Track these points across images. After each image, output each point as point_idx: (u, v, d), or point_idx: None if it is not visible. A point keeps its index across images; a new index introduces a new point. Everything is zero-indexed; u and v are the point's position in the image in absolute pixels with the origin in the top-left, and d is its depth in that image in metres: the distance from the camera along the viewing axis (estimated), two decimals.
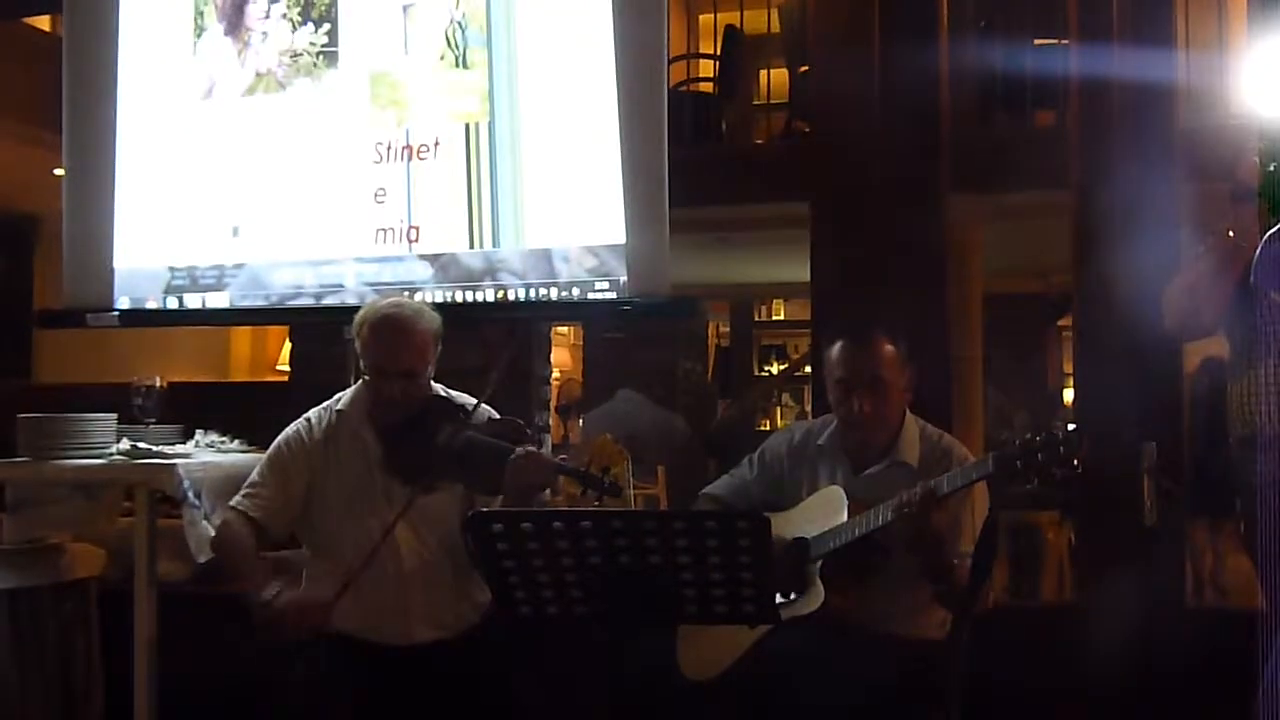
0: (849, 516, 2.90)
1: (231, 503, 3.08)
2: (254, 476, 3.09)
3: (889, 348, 3.03)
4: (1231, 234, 2.75)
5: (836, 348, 3.06)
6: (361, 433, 3.06)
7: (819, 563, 2.89)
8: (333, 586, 2.89)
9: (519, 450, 2.85)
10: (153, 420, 3.64)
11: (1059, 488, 2.73)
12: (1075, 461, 2.63)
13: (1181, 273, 2.99)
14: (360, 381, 3.12)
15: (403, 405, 2.99)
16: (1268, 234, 2.60)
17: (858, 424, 3.03)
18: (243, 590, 2.93)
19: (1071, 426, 2.67)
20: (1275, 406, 2.78)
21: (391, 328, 2.99)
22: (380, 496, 2.99)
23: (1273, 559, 2.64)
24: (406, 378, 2.98)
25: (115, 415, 3.62)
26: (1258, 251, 2.64)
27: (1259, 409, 2.80)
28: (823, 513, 2.97)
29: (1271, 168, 2.65)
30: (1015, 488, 2.79)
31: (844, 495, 2.96)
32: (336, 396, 3.18)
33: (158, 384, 3.63)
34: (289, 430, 3.13)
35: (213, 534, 3.31)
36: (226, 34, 4.26)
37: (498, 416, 3.06)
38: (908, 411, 3.09)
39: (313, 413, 3.15)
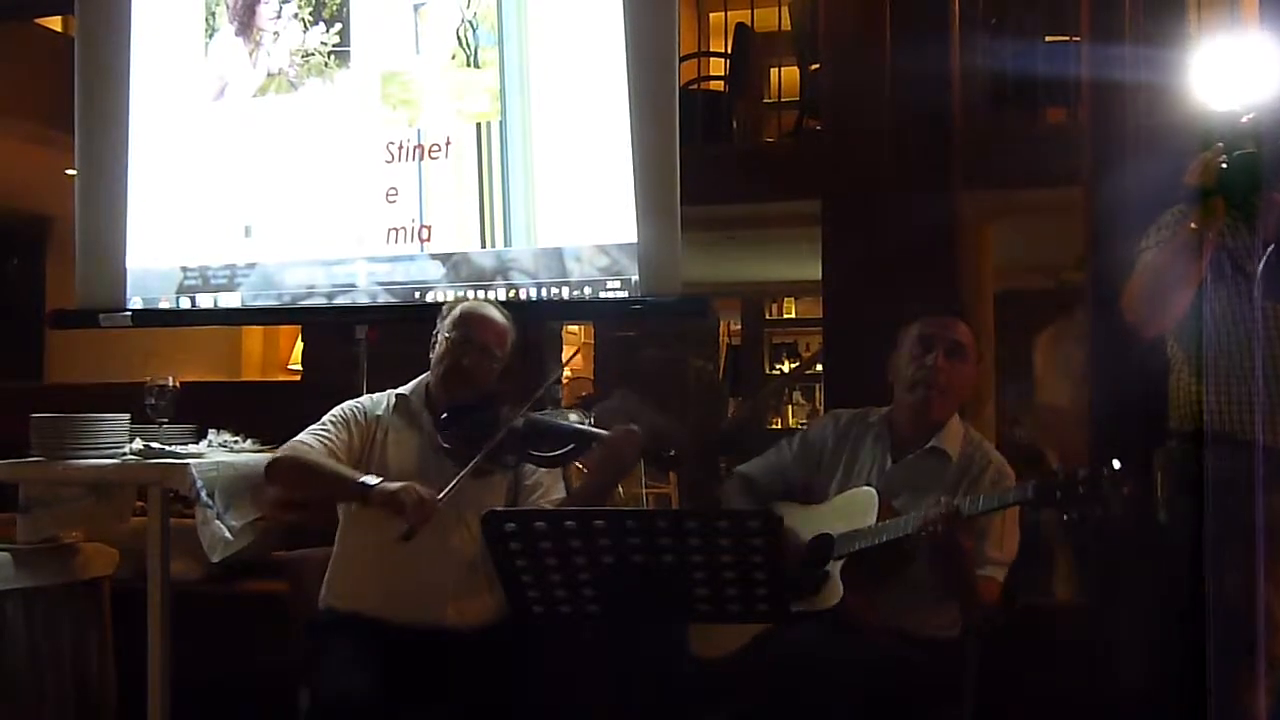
0: (879, 515, 2.90)
1: (296, 439, 3.12)
2: (316, 425, 3.16)
3: (970, 332, 3.09)
4: (1194, 226, 2.75)
5: (923, 316, 3.10)
6: (419, 416, 3.18)
7: (841, 561, 2.89)
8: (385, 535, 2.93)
9: (617, 428, 2.99)
10: (165, 420, 3.65)
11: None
12: (1117, 502, 2.61)
13: (1142, 266, 2.98)
14: (423, 375, 3.24)
15: (473, 380, 3.13)
16: (1272, 244, 2.60)
17: (924, 382, 3.02)
18: (334, 489, 3.01)
19: (1117, 464, 2.63)
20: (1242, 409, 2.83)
21: (481, 309, 3.24)
22: (432, 477, 3.03)
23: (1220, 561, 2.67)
24: (482, 352, 3.14)
25: (128, 415, 3.63)
26: (1262, 259, 2.63)
27: (1217, 409, 2.84)
28: (852, 511, 2.97)
29: (1225, 164, 2.66)
30: (1050, 516, 2.80)
31: (875, 497, 2.95)
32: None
33: (171, 384, 3.64)
34: (350, 401, 3.25)
35: (227, 535, 3.32)
36: (238, 34, 4.27)
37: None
38: (956, 413, 3.10)
39: (374, 394, 3.28)
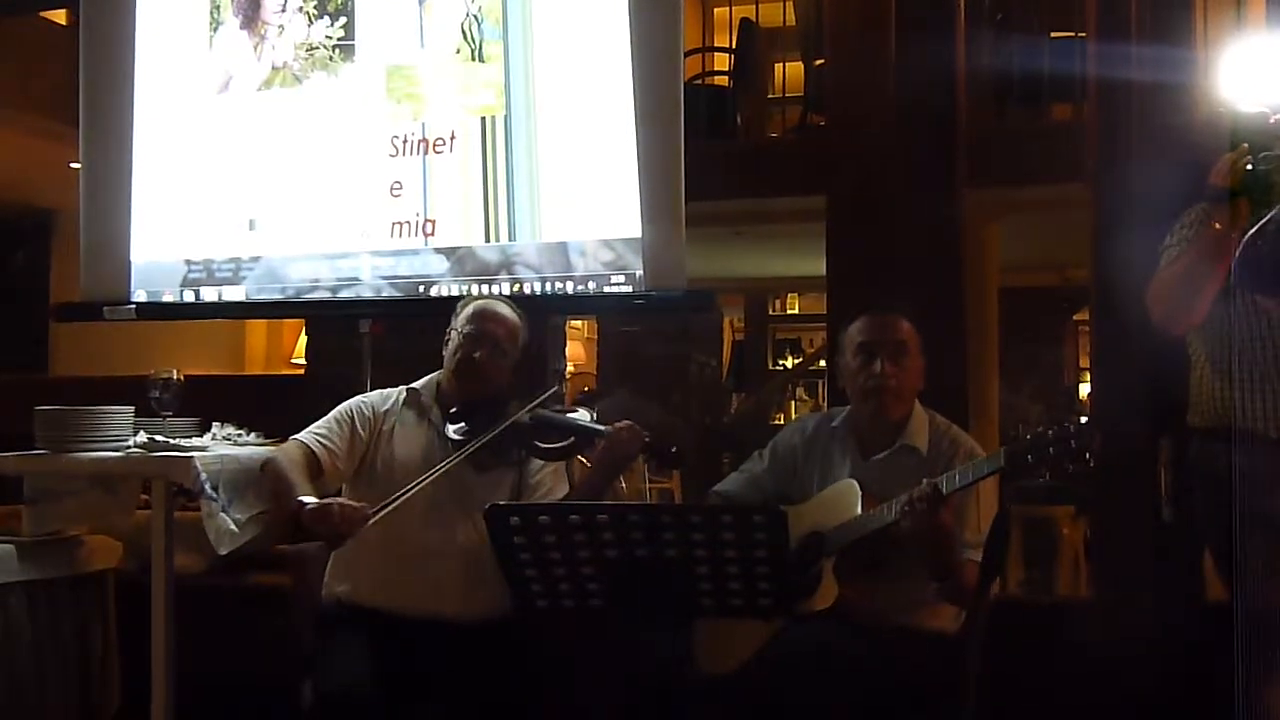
0: (862, 509, 2.90)
1: (292, 437, 3.17)
2: (318, 422, 3.20)
3: (908, 324, 3.09)
4: (1218, 226, 2.75)
5: (859, 320, 3.11)
6: (430, 411, 3.21)
7: (832, 558, 2.89)
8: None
9: (619, 424, 3.04)
10: (169, 413, 3.64)
11: (1073, 481, 2.74)
12: (1087, 455, 2.63)
13: (1167, 265, 2.99)
14: (436, 373, 3.27)
15: (485, 374, 3.16)
16: (1247, 234, 2.59)
17: (876, 391, 3.03)
18: (284, 502, 3.01)
19: (1084, 420, 2.68)
20: (1262, 406, 2.82)
21: (493, 306, 3.28)
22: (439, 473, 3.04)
23: (1246, 554, 2.66)
24: (494, 347, 3.18)
25: (132, 408, 3.62)
26: (1238, 251, 2.63)
27: (1241, 407, 2.84)
28: (837, 506, 2.97)
29: (1250, 165, 2.65)
30: (1027, 481, 2.80)
31: (858, 489, 2.95)
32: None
33: (174, 377, 3.64)
34: (359, 396, 3.28)
35: (233, 528, 3.33)
36: (243, 28, 4.27)
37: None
38: (917, 402, 3.10)
39: (385, 390, 3.30)
